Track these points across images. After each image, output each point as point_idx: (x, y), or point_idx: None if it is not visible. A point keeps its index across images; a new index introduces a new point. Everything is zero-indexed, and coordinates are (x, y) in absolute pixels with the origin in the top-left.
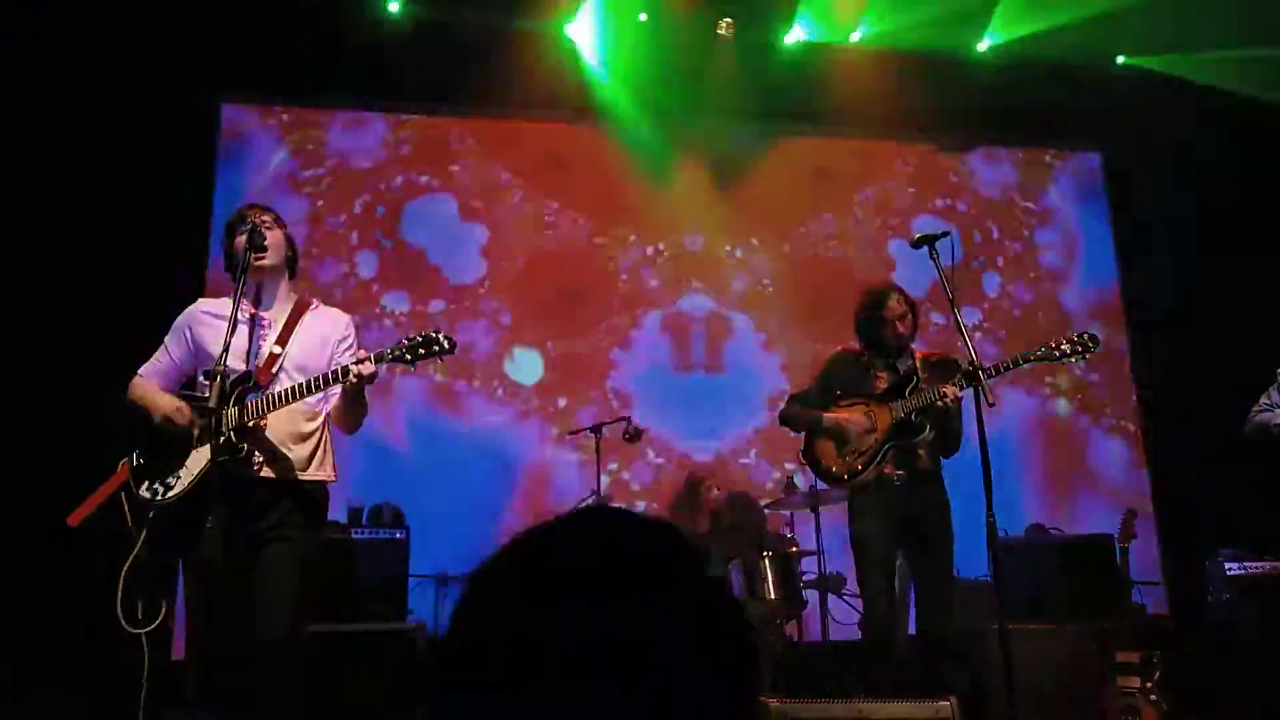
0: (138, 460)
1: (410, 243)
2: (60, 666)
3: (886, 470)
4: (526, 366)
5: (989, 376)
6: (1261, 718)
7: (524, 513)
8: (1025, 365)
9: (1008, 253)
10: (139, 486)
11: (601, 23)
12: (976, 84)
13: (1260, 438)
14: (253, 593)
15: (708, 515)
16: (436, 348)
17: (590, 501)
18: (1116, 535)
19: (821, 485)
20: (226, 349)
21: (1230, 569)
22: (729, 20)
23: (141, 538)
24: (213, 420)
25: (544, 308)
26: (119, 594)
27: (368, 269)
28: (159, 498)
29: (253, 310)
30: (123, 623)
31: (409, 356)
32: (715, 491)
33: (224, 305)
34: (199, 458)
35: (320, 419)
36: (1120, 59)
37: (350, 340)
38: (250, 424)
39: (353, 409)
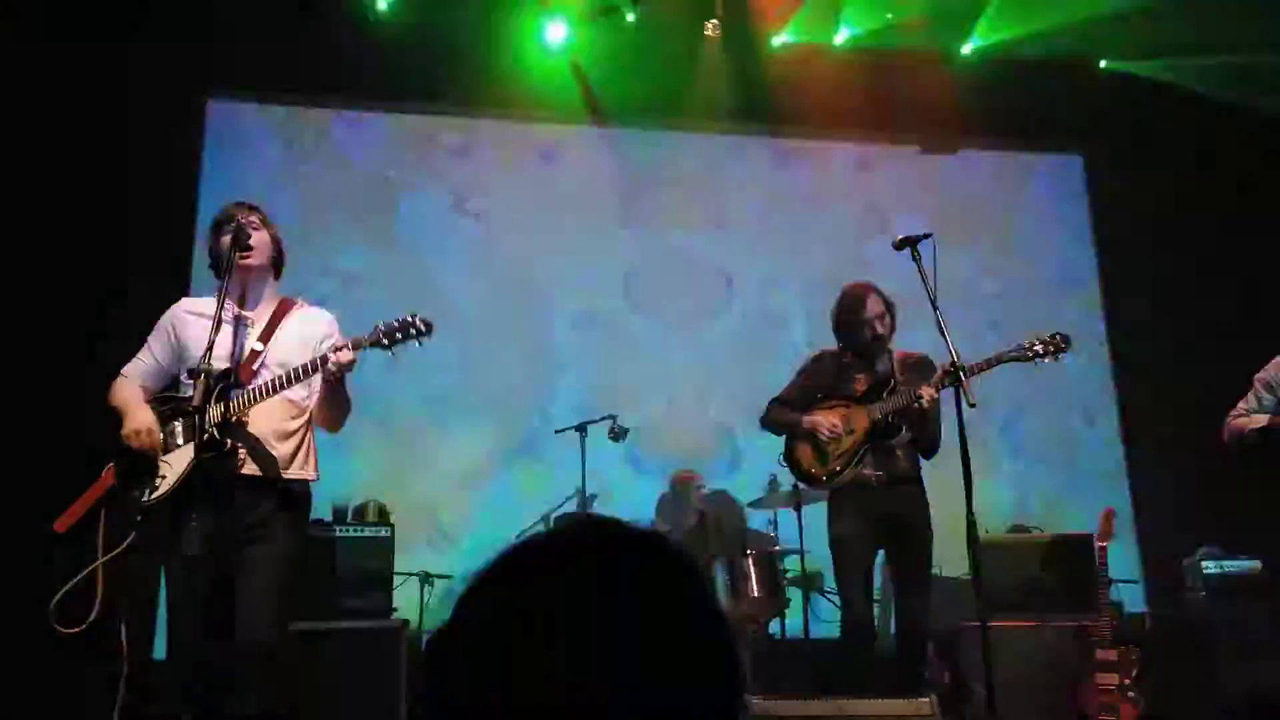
0: (122, 462)
1: (400, 239)
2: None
3: (865, 472)
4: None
5: (968, 375)
6: (1238, 715)
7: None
8: (999, 366)
9: (989, 254)
10: (126, 489)
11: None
12: (960, 86)
13: (1236, 443)
14: (235, 592)
15: (694, 514)
16: (414, 331)
17: (574, 500)
18: (1095, 534)
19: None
20: (210, 348)
21: (1207, 568)
22: (714, 22)
23: (128, 540)
24: (196, 419)
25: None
26: (98, 594)
27: (357, 266)
28: (146, 499)
29: (237, 310)
30: (54, 624)
31: (386, 342)
32: (702, 490)
33: (208, 304)
34: (182, 456)
35: (304, 417)
36: (1103, 63)
37: (334, 338)
38: (233, 419)
39: (334, 403)
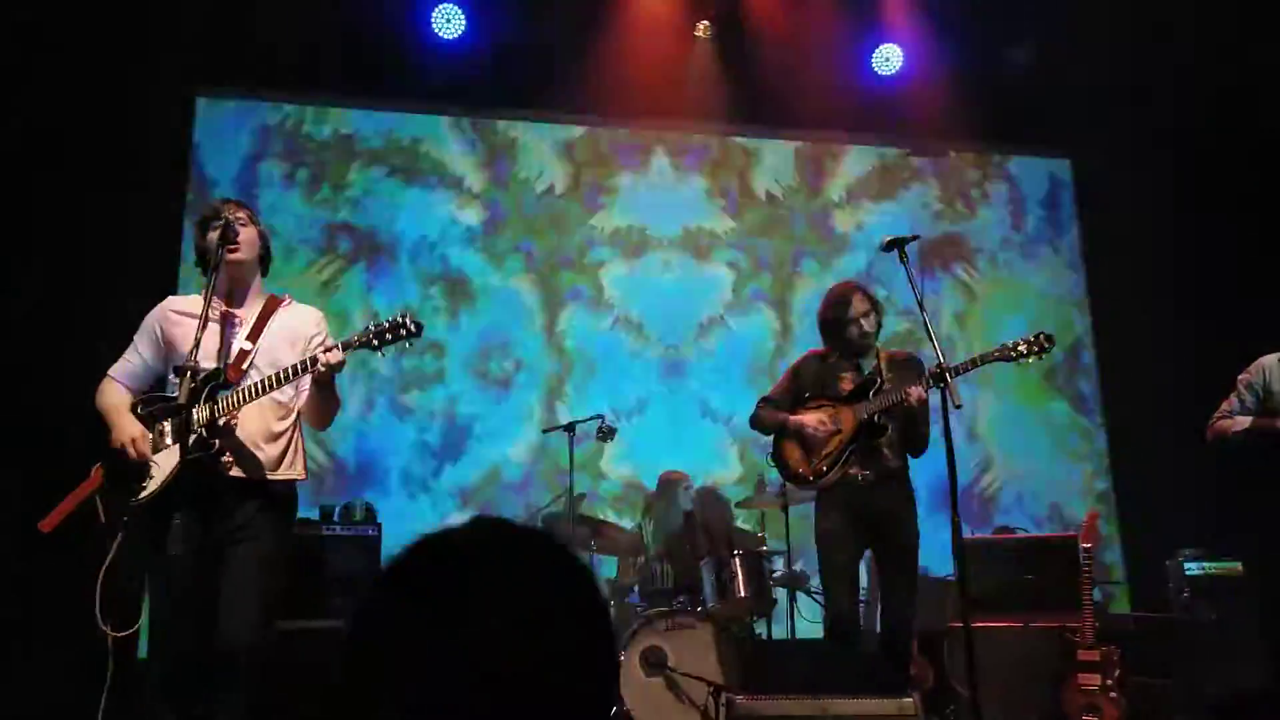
0: (110, 463)
1: (383, 235)
2: (24, 667)
3: (852, 471)
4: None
5: (953, 375)
6: (1219, 715)
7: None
8: (983, 365)
9: (976, 256)
10: (113, 489)
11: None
12: (949, 89)
13: (1220, 444)
14: (220, 592)
15: (681, 514)
16: (403, 332)
17: (562, 499)
18: (1079, 536)
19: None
20: (197, 346)
21: (1190, 569)
22: (706, 23)
23: (119, 540)
24: (183, 418)
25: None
26: (97, 599)
27: (343, 262)
28: (133, 499)
29: (224, 307)
30: (104, 628)
31: (375, 342)
32: (690, 490)
33: (194, 303)
34: (170, 457)
35: (292, 417)
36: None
37: (323, 337)
38: (221, 421)
39: (324, 403)
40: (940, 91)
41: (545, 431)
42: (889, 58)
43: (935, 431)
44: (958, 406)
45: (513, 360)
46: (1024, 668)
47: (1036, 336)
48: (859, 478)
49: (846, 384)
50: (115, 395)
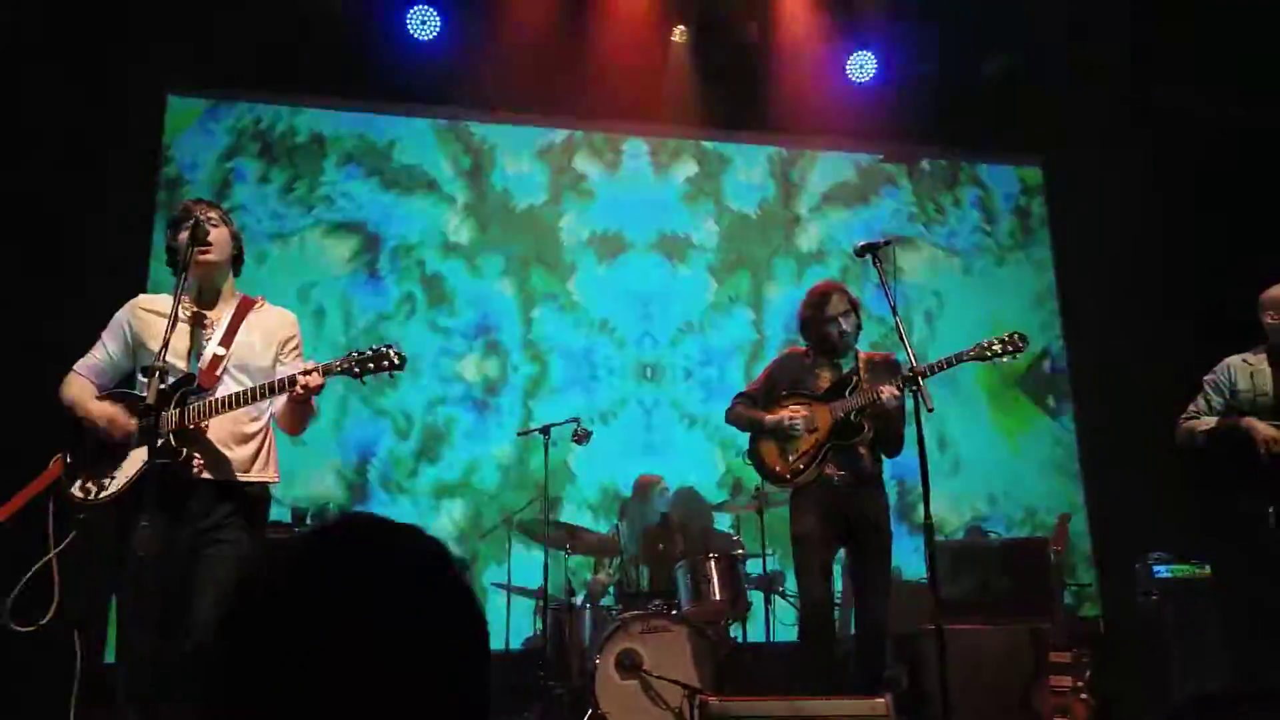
0: (70, 457)
1: (357, 236)
2: None
3: (828, 470)
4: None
5: (924, 376)
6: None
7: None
8: (958, 364)
9: (948, 261)
10: (71, 484)
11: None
12: (923, 96)
13: (1187, 445)
14: (191, 594)
15: (657, 516)
16: (386, 363)
17: (536, 501)
18: (1051, 539)
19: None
20: (165, 346)
21: (1158, 572)
22: (683, 28)
23: (68, 538)
24: (151, 420)
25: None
26: (15, 591)
27: (322, 260)
28: (92, 497)
29: (194, 308)
30: (8, 620)
31: (358, 370)
32: (665, 493)
33: (164, 301)
34: (136, 458)
35: (264, 419)
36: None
37: (296, 340)
38: (191, 428)
39: (298, 415)
40: (913, 98)
41: (521, 434)
42: (864, 64)
43: (909, 434)
44: (930, 410)
45: (489, 363)
46: (996, 669)
47: (1010, 336)
48: (835, 478)
49: (823, 382)
50: (80, 389)
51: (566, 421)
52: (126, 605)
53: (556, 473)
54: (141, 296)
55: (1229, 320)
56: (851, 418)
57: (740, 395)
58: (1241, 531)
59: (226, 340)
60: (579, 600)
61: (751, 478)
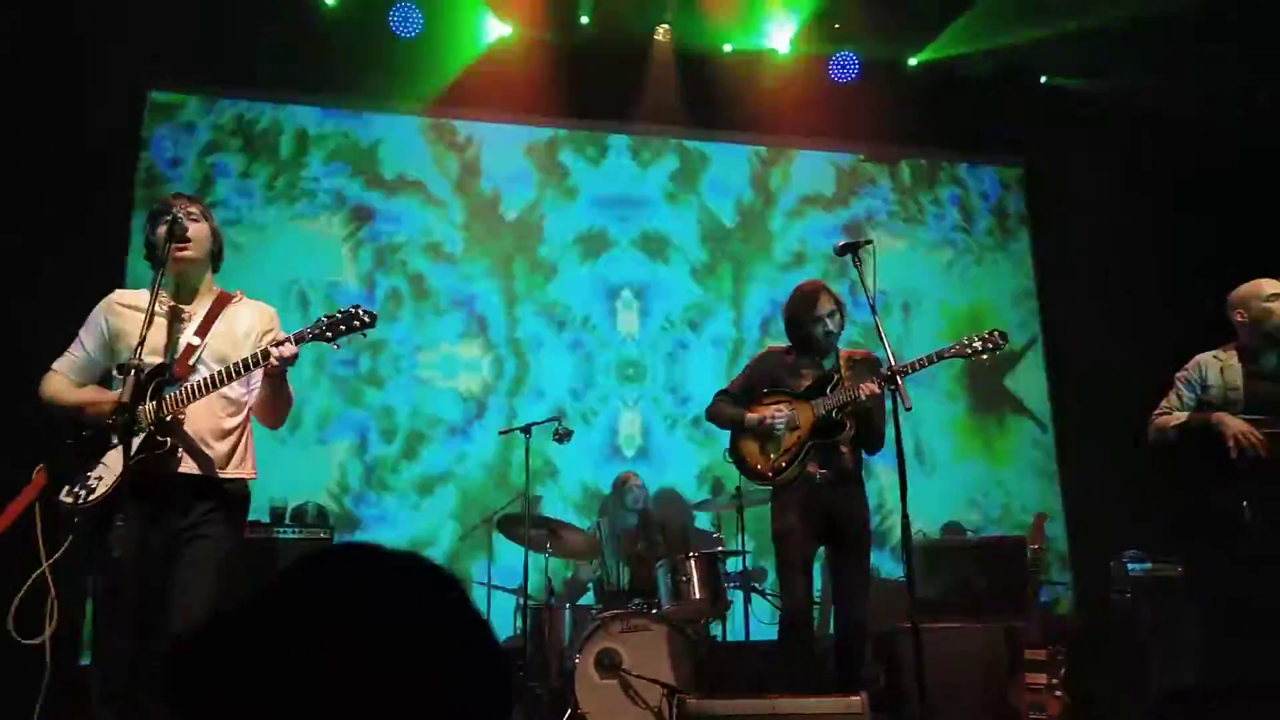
0: (51, 465)
1: (339, 233)
2: None
3: (810, 468)
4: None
5: (904, 375)
6: (1161, 713)
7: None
8: (939, 361)
9: (927, 259)
10: (58, 492)
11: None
12: (904, 97)
13: (1159, 442)
14: (169, 592)
15: (633, 515)
16: (356, 323)
17: (518, 501)
18: (1027, 537)
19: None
20: (142, 342)
21: (1133, 569)
22: (666, 27)
23: (65, 545)
24: (128, 416)
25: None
26: (16, 603)
27: (303, 258)
28: (82, 501)
29: (172, 303)
30: (13, 633)
31: (329, 334)
32: (638, 488)
33: (142, 297)
34: (118, 456)
35: (243, 414)
36: (1043, 79)
37: (275, 333)
38: (168, 417)
39: (276, 399)
40: (894, 98)
41: (502, 433)
42: (845, 65)
43: (889, 433)
44: (908, 409)
45: (471, 361)
46: (972, 667)
47: (991, 333)
48: (817, 476)
49: (805, 380)
50: (59, 384)
51: (548, 420)
52: (102, 606)
53: (538, 471)
54: (118, 292)
55: (1207, 319)
56: (834, 415)
57: (720, 393)
58: (1214, 527)
59: (202, 331)
60: (559, 592)
61: (732, 476)
